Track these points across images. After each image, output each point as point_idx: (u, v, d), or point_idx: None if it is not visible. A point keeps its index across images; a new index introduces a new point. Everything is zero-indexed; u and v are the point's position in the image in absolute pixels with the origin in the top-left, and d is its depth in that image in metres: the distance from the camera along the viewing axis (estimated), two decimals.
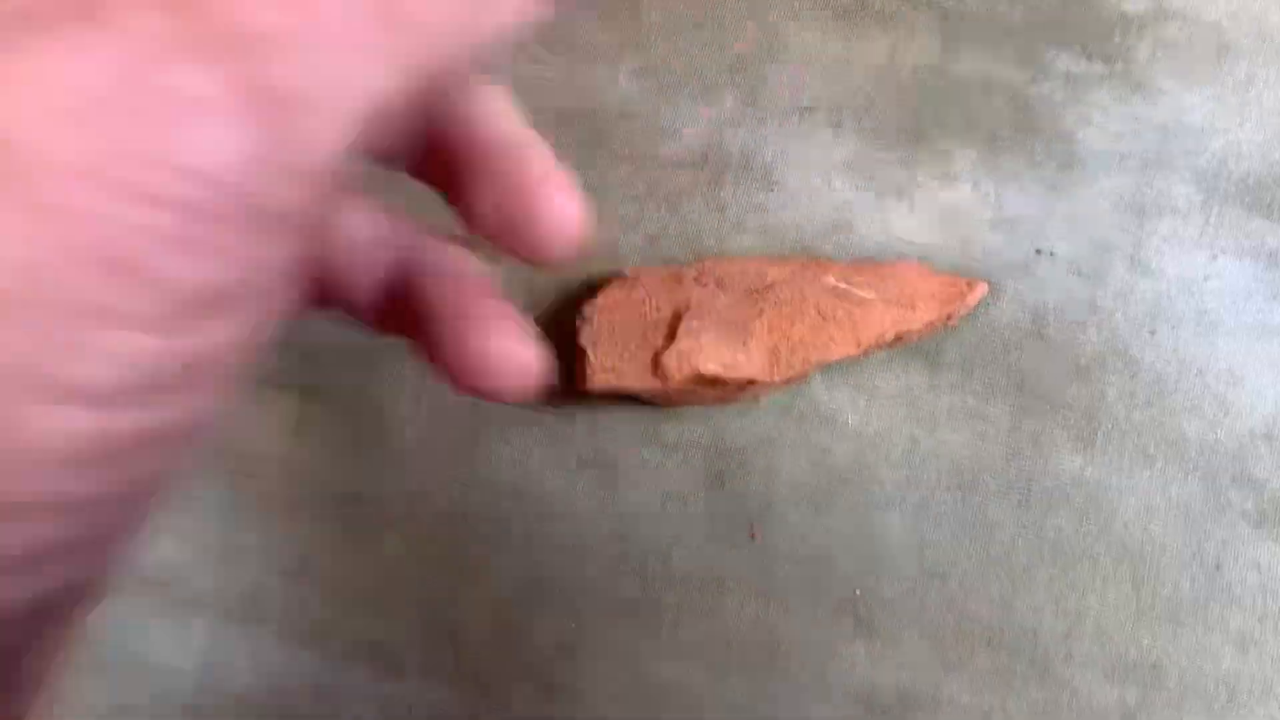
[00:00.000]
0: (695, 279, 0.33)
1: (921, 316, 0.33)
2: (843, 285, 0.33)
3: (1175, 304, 0.34)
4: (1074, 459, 0.34)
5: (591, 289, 0.34)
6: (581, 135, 0.36)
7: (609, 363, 0.32)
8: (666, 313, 0.32)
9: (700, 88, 0.36)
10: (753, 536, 0.34)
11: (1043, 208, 0.35)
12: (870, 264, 0.34)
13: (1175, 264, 0.35)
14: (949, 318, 0.33)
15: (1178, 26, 0.35)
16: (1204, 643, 0.33)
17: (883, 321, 0.32)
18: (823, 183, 0.36)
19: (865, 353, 0.33)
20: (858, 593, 0.34)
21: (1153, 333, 0.34)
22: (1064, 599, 0.34)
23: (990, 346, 0.35)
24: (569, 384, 0.35)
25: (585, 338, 0.32)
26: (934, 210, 0.35)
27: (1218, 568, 0.33)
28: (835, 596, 0.34)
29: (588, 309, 0.32)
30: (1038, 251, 0.35)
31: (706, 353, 0.31)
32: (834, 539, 0.34)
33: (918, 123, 0.36)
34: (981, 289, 0.33)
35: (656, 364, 0.32)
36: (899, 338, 0.33)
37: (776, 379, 0.32)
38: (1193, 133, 0.35)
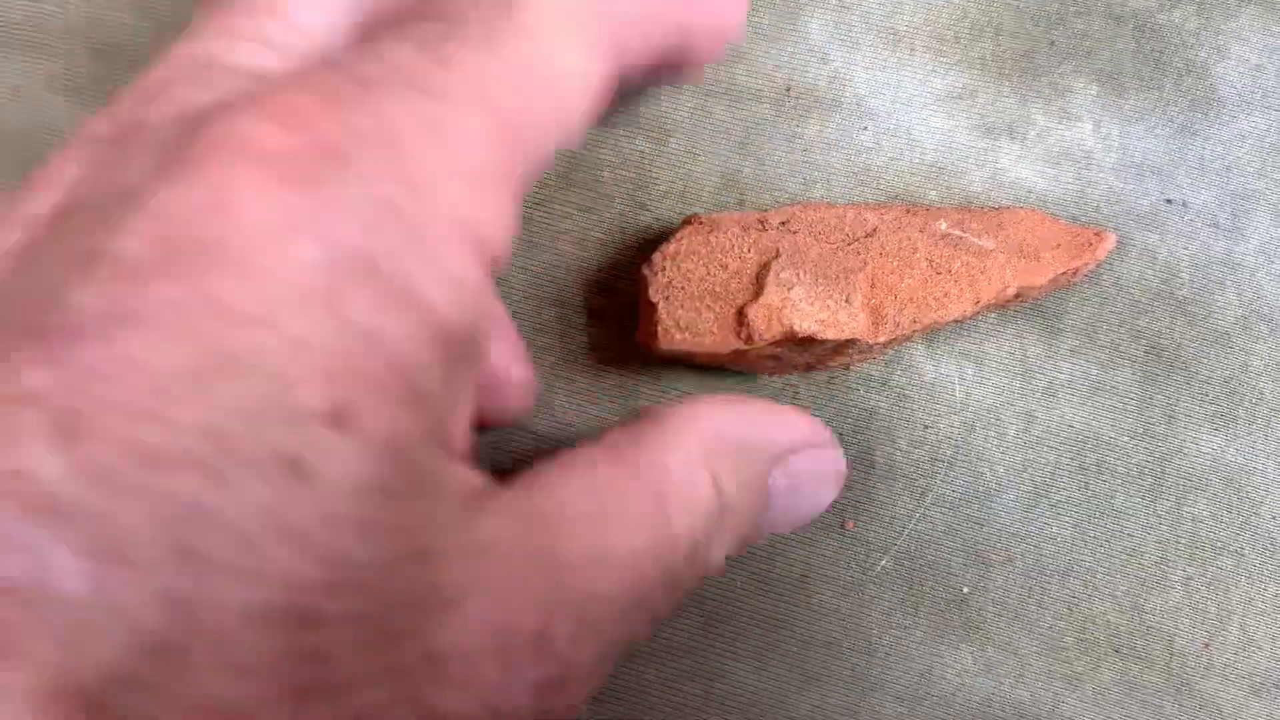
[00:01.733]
0: (783, 225, 0.28)
1: (1046, 270, 0.28)
2: (957, 233, 0.28)
3: None
4: (1213, 438, 0.30)
5: (660, 236, 0.29)
6: None
7: (684, 320, 0.27)
8: (751, 262, 0.27)
9: (781, 7, 0.31)
10: (844, 526, 0.29)
11: (1173, 151, 0.31)
12: (982, 209, 0.29)
13: None
14: (1074, 273, 0.29)
15: None
16: None
17: (1004, 275, 0.28)
18: (922, 119, 0.31)
19: (980, 312, 0.28)
20: (965, 591, 0.29)
21: None
22: (1203, 601, 0.29)
23: (1115, 308, 0.30)
24: (630, 346, 0.30)
25: (655, 291, 0.27)
26: (1050, 152, 0.31)
27: None
28: (939, 596, 0.29)
29: (658, 258, 0.27)
30: (1168, 201, 0.30)
31: (801, 309, 0.26)
32: (937, 530, 0.29)
33: (1031, 52, 0.31)
34: (1110, 240, 0.29)
35: (740, 321, 0.27)
36: (1019, 294, 0.28)
37: (880, 340, 0.27)
38: None
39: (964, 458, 0.30)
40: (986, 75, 0.31)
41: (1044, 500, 0.29)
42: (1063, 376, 0.30)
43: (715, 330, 0.27)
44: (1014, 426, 0.30)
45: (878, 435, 0.30)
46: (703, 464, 0.20)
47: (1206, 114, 0.31)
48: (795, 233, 0.28)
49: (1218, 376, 0.30)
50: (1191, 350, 0.30)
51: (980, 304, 0.28)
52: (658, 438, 0.20)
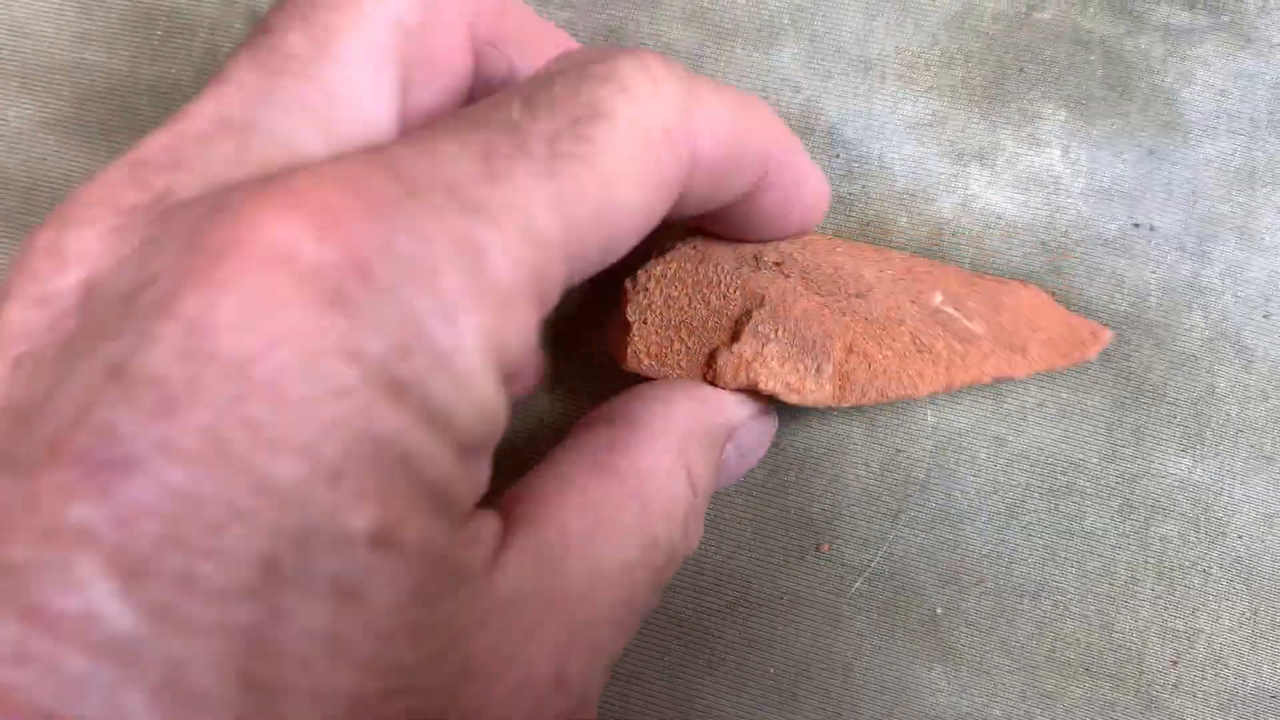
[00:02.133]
0: (776, 265, 0.27)
1: (1030, 366, 0.27)
2: (949, 310, 0.27)
3: None
4: (1181, 460, 0.30)
5: (648, 252, 0.28)
6: None
7: (654, 347, 0.26)
8: (736, 304, 0.26)
9: (754, 38, 0.32)
10: (819, 548, 0.30)
11: (1141, 176, 0.31)
12: (987, 279, 0.28)
13: None
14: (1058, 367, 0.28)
15: None
16: None
17: (984, 365, 0.26)
18: (893, 146, 0.31)
19: (952, 392, 0.28)
20: (938, 612, 0.30)
21: (1267, 316, 0.30)
22: (1171, 620, 0.30)
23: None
24: (604, 357, 0.29)
25: (633, 310, 0.26)
26: (1019, 178, 0.31)
27: None
28: (913, 616, 0.30)
29: (643, 276, 0.26)
30: (1135, 225, 0.31)
31: (771, 367, 0.25)
32: (910, 551, 0.30)
33: (1000, 79, 0.32)
34: (1106, 338, 0.28)
35: (711, 363, 0.26)
36: (996, 380, 0.27)
37: (843, 405, 0.26)
38: None
39: (936, 480, 0.30)
40: (957, 102, 0.32)
41: (1015, 521, 0.30)
42: (1032, 400, 0.30)
43: (684, 365, 0.26)
44: (985, 449, 0.30)
45: (851, 459, 0.30)
46: (679, 461, 0.21)
47: (1173, 139, 0.31)
48: (788, 277, 0.26)
49: (1185, 399, 0.30)
50: (1159, 373, 0.30)
51: (952, 388, 0.27)
52: (637, 443, 0.21)
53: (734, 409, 0.24)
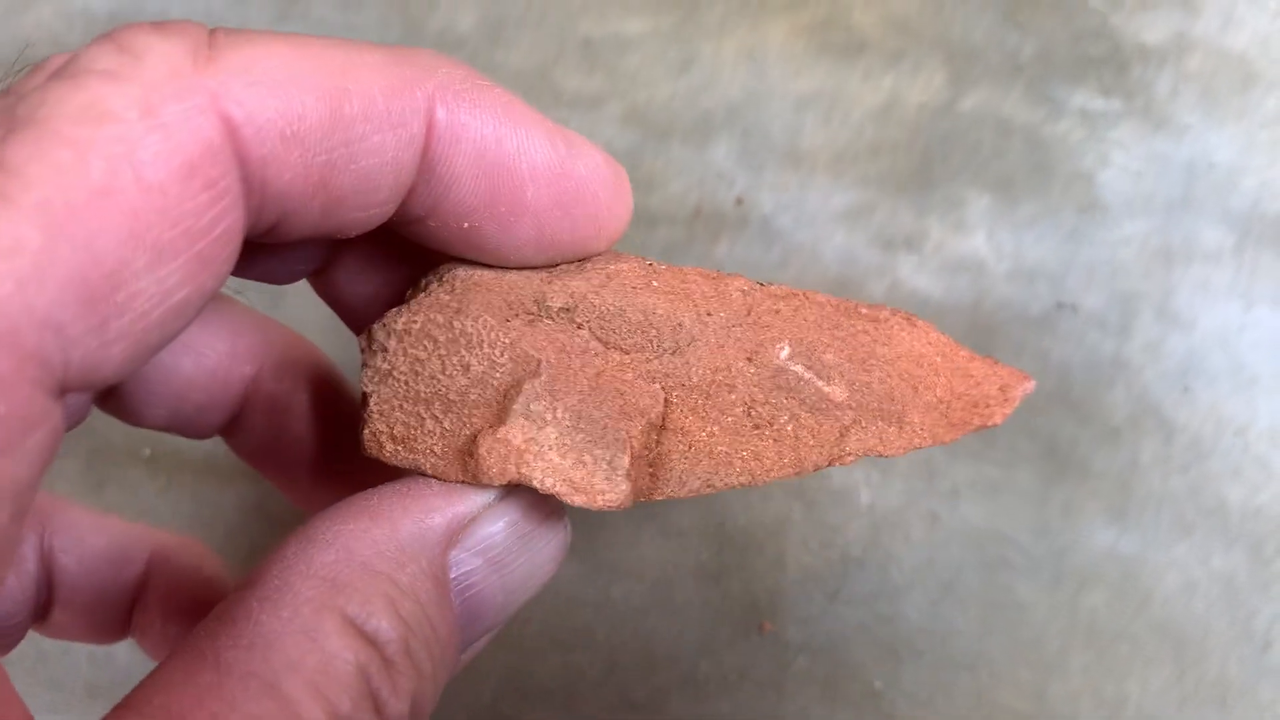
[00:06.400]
0: (564, 311, 0.20)
1: (909, 438, 0.20)
2: (798, 369, 0.20)
3: (1210, 358, 0.32)
4: (1107, 531, 0.31)
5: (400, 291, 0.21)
6: None
7: (400, 428, 0.20)
8: (503, 371, 0.19)
9: (689, 135, 0.33)
10: (762, 628, 0.31)
11: (1063, 257, 0.32)
12: (858, 316, 0.21)
13: (1208, 314, 0.32)
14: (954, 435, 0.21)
15: (1201, 58, 0.33)
16: None
17: (844, 444, 0.20)
18: (824, 236, 0.33)
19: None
20: (878, 685, 0.31)
21: (1186, 390, 0.32)
22: (1102, 686, 0.31)
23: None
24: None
25: (370, 378, 0.20)
26: (946, 262, 0.33)
27: (1266, 646, 0.31)
28: (854, 690, 0.31)
29: (380, 331, 0.20)
30: (1058, 305, 0.32)
31: (548, 459, 0.19)
32: (850, 628, 0.31)
33: (926, 167, 0.33)
34: (1017, 395, 0.21)
35: (471, 452, 0.19)
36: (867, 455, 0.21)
37: (655, 500, 0.20)
38: (1221, 171, 0.32)
39: (873, 558, 0.31)
40: (884, 191, 0.33)
41: (950, 596, 0.31)
42: (964, 478, 0.32)
43: (438, 452, 0.20)
44: (919, 527, 0.32)
45: (790, 540, 0.32)
46: (324, 611, 0.15)
47: (1093, 219, 0.33)
48: (579, 327, 0.20)
49: (1111, 472, 0.31)
50: (1085, 448, 0.32)
51: (803, 473, 0.20)
52: (244, 615, 0.15)
53: (450, 501, 0.18)
